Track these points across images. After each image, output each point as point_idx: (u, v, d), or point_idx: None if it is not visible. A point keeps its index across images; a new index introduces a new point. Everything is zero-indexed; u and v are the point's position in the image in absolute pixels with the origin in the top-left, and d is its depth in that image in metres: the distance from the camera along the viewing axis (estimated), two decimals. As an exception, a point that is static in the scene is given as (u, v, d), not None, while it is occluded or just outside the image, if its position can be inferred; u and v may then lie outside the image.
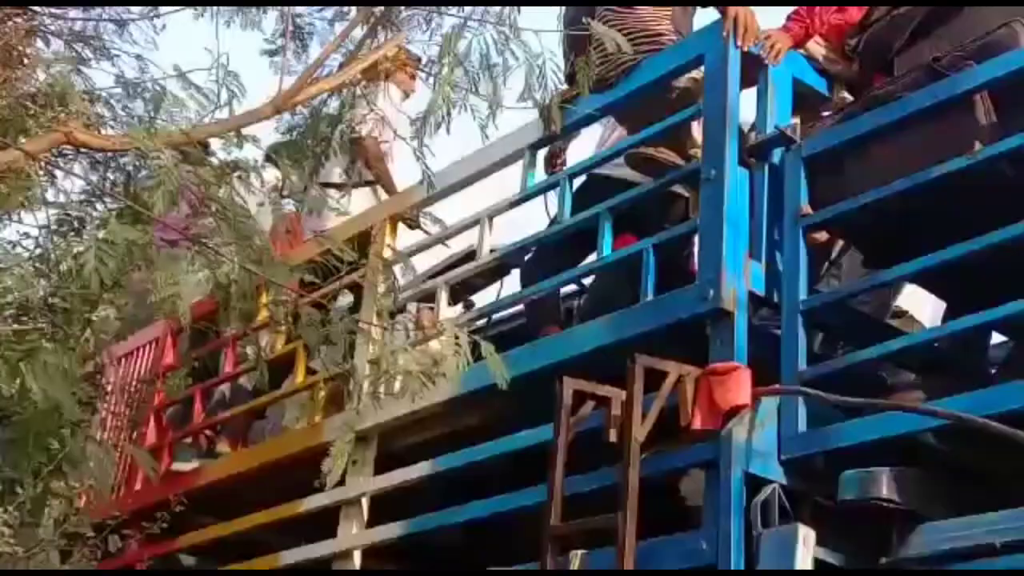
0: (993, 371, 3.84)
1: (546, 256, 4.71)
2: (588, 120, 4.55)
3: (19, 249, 4.91)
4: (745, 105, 4.04)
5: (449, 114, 4.15)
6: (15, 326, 4.13)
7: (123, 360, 6.47)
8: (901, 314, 4.41)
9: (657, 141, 4.29)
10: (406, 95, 6.26)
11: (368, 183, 6.09)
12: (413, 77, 6.11)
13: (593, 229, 4.23)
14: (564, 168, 4.84)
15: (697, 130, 4.22)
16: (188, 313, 4.13)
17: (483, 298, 5.62)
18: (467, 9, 4.31)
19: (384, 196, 5.97)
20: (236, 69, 4.13)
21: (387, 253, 5.14)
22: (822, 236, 3.95)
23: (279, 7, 4.59)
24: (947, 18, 3.79)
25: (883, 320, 4.19)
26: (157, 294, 4.13)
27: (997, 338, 3.96)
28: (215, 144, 4.57)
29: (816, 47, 4.22)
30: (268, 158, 5.75)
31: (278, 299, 4.75)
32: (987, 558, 2.88)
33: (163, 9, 5.06)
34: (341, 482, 4.69)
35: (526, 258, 4.87)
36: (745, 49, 3.97)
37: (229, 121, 4.15)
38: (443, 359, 4.70)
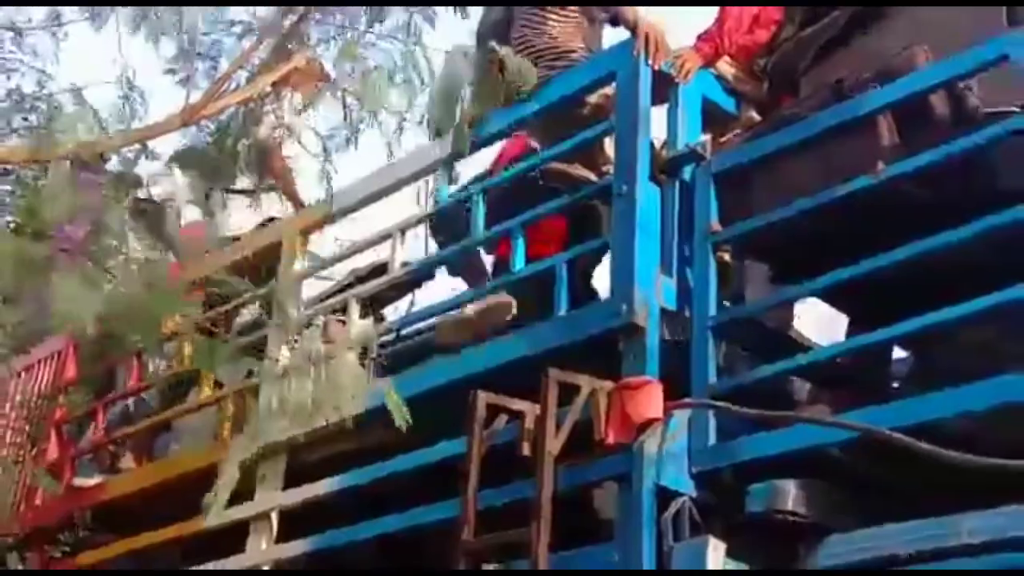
0: (895, 385, 3.94)
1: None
2: (499, 137, 4.57)
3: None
4: (656, 122, 4.10)
5: (357, 132, 4.16)
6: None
7: (23, 373, 6.31)
8: None
9: (570, 156, 4.33)
10: (311, 106, 6.21)
11: (272, 188, 6.04)
12: (317, 87, 6.06)
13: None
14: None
15: (609, 146, 4.26)
16: (90, 327, 4.06)
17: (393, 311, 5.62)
18: (376, 27, 4.34)
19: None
20: (142, 81, 4.09)
21: (296, 267, 5.10)
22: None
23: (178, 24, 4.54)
24: (850, 40, 3.89)
25: (786, 334, 4.27)
26: (55, 308, 4.06)
27: (899, 353, 4.06)
28: (116, 159, 4.50)
29: (725, 67, 4.30)
30: (171, 165, 5.68)
31: (183, 313, 4.70)
32: (893, 568, 2.95)
33: (65, 17, 4.96)
34: (250, 497, 4.65)
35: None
36: (656, 67, 4.04)
37: (135, 133, 4.10)
38: (352, 376, 4.72)
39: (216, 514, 4.27)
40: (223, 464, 4.30)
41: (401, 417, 3.84)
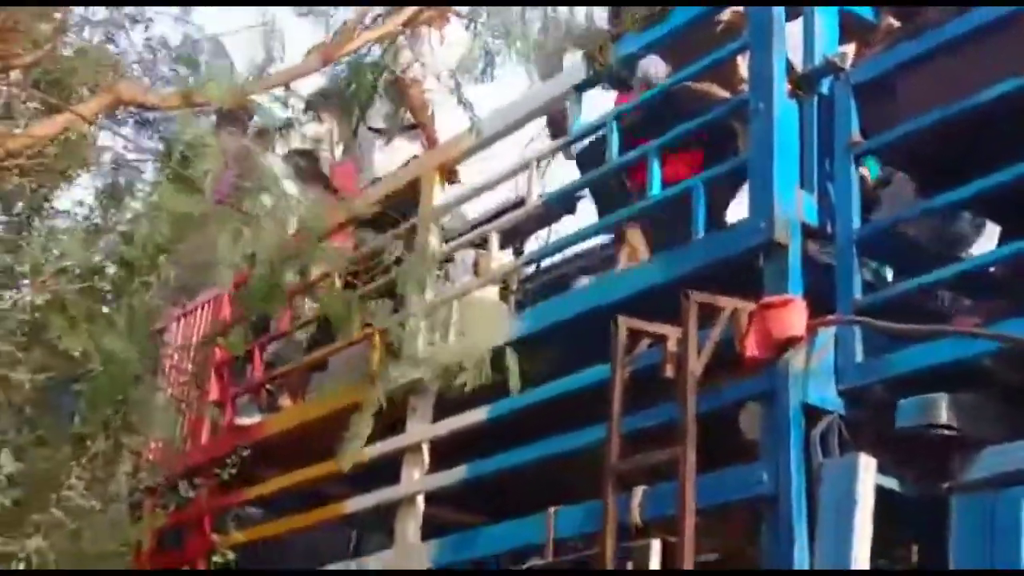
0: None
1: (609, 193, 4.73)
2: (634, 59, 4.53)
3: (75, 213, 4.99)
4: (791, 37, 4.01)
5: (492, 64, 4.17)
6: (78, 286, 4.21)
7: (184, 318, 6.57)
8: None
9: (705, 77, 4.27)
10: (440, 31, 6.23)
11: (412, 127, 6.12)
12: (446, 16, 6.08)
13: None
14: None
15: (743, 64, 4.18)
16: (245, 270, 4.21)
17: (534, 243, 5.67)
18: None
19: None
20: (279, 26, 4.16)
21: (437, 202, 5.16)
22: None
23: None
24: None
25: (939, 248, 4.16)
26: (214, 256, 4.22)
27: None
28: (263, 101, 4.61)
29: (860, -26, 4.16)
30: (308, 106, 5.79)
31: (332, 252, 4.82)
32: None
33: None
34: (402, 428, 4.77)
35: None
36: (790, -21, 3.93)
37: (278, 75, 4.19)
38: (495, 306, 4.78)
39: (352, 451, 4.42)
40: (366, 401, 4.43)
41: (516, 383, 3.90)
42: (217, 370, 6.18)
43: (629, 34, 4.44)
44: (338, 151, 6.18)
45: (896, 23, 4.11)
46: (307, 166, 6.24)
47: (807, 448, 3.37)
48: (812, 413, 3.42)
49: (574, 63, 4.65)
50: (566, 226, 5.43)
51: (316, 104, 5.50)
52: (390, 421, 4.74)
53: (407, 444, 4.82)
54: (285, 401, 5.93)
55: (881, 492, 3.23)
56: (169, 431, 5.71)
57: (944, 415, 3.18)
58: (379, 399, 4.59)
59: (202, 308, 6.46)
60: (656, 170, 4.17)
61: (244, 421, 5.93)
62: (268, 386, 6.08)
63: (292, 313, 5.89)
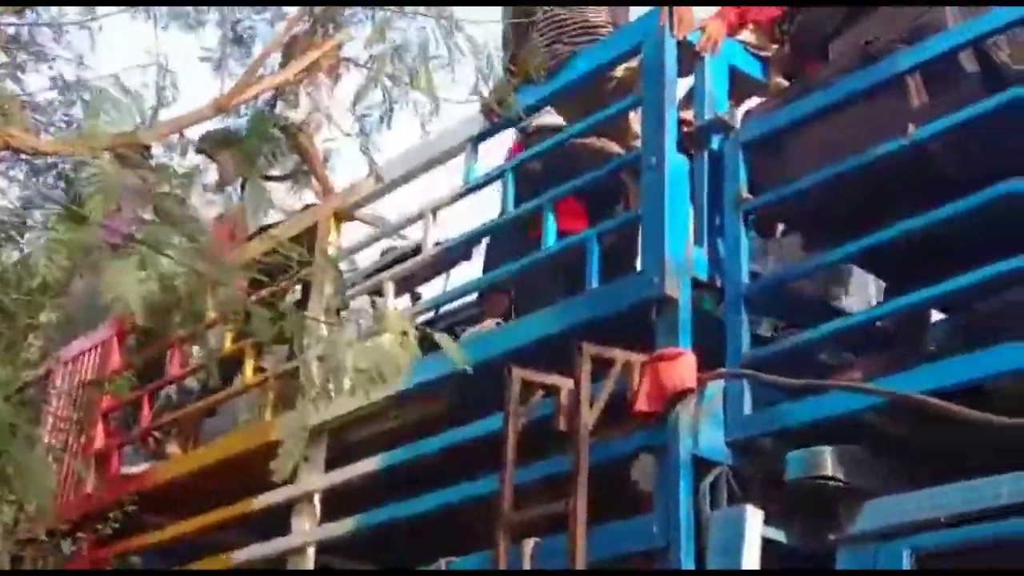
0: (933, 348, 3.91)
1: (502, 243, 4.74)
2: (528, 112, 4.57)
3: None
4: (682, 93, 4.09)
5: (391, 109, 4.17)
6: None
7: (69, 364, 6.41)
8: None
9: (598, 131, 4.33)
10: (335, 79, 6.21)
11: (307, 172, 6.08)
12: (340, 62, 6.07)
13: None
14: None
15: (635, 120, 4.25)
16: (139, 310, 4.12)
17: (429, 290, 5.65)
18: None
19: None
20: (177, 71, 4.13)
21: (332, 250, 5.13)
22: None
23: (219, 7, 4.58)
24: (877, 5, 3.85)
25: (825, 302, 4.25)
26: (106, 295, 4.12)
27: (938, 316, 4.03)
28: (156, 149, 4.55)
29: (748, 34, 4.27)
30: (201, 150, 5.72)
31: (226, 297, 4.74)
32: (931, 531, 2.94)
33: (100, 11, 5.02)
34: (293, 479, 4.70)
35: (487, 244, 4.88)
36: (681, 38, 4.02)
37: (171, 123, 4.13)
38: (392, 355, 4.74)
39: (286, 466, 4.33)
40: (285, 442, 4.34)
41: (461, 360, 3.86)
42: (103, 417, 6.03)
43: (526, 86, 4.49)
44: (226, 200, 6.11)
45: (784, 82, 4.21)
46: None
47: (697, 500, 3.40)
48: (702, 465, 3.46)
49: (472, 114, 4.68)
50: (462, 273, 5.45)
51: (209, 148, 5.44)
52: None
53: (298, 493, 4.75)
54: (173, 448, 5.81)
55: (768, 543, 3.28)
56: (49, 482, 5.54)
57: (830, 467, 3.24)
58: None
59: (89, 353, 6.31)
60: (551, 221, 4.21)
61: (131, 470, 5.80)
62: (156, 433, 5.96)
63: (183, 359, 5.80)
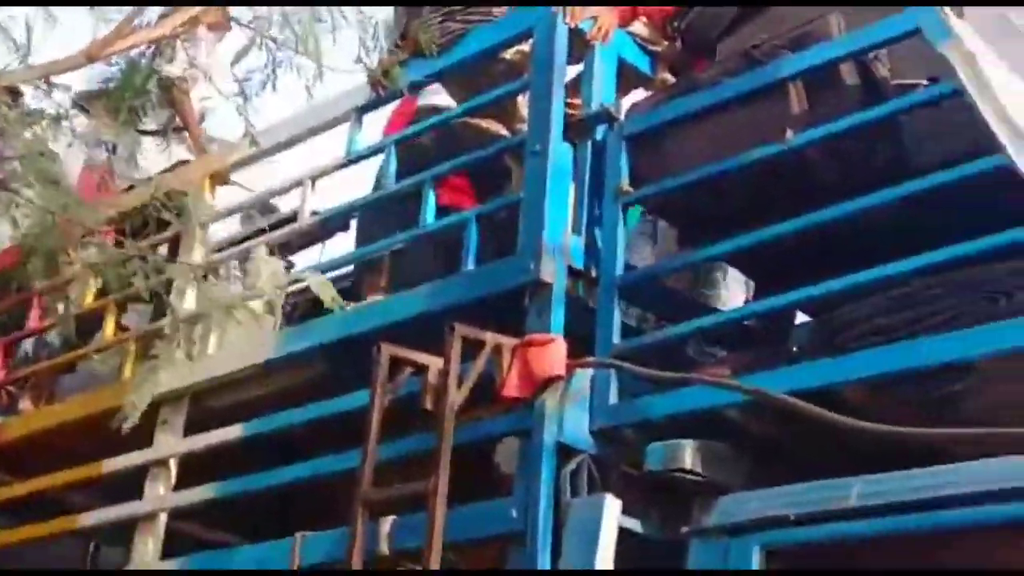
0: (795, 349, 4.00)
1: (379, 215, 4.69)
2: (415, 87, 4.54)
3: None
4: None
5: (274, 72, 4.09)
6: None
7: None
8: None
9: (484, 112, 4.32)
10: (220, 36, 6.08)
11: (182, 129, 5.95)
12: (228, 20, 5.94)
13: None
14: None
15: (523, 104, 4.25)
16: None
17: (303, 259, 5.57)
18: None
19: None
20: (52, 14, 3.97)
21: (203, 212, 5.02)
22: None
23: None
24: (767, 6, 3.91)
25: (696, 298, 4.33)
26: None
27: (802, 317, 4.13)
28: (28, 92, 4.39)
29: (640, 27, 4.31)
30: (77, 105, 5.55)
31: (88, 243, 4.59)
32: (781, 528, 3.01)
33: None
34: (149, 442, 4.60)
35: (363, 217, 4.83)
36: (573, 25, 4.02)
37: (39, 68, 3.99)
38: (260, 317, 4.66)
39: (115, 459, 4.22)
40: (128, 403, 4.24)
41: (328, 298, 3.81)
42: (-45, 367, 5.82)
43: (414, 61, 4.45)
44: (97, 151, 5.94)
45: (672, 78, 4.26)
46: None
47: (558, 486, 3.43)
48: (566, 452, 3.49)
49: (357, 84, 4.62)
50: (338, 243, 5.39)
51: (86, 101, 5.27)
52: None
53: (154, 458, 4.65)
54: (26, 404, 5.63)
55: (624, 533, 3.32)
56: None
57: (689, 461, 3.29)
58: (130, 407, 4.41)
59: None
60: (431, 199, 4.19)
61: (-22, 422, 5.61)
62: (9, 388, 5.77)
63: (42, 312, 5.62)
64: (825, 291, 3.30)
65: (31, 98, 4.74)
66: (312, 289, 4.06)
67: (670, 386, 3.44)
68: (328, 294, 3.89)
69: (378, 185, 4.62)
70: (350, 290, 4.85)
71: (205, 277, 4.76)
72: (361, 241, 4.79)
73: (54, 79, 4.16)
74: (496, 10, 4.45)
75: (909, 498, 2.78)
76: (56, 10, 4.25)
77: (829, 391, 3.15)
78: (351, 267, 5.01)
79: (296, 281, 4.45)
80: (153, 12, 4.26)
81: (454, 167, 4.24)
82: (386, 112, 5.04)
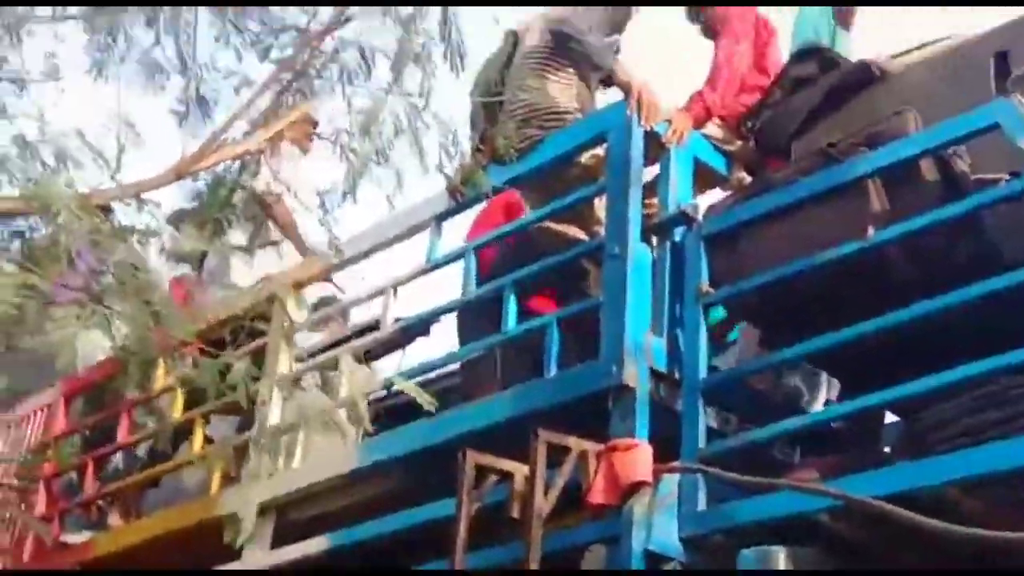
0: (887, 450, 3.93)
1: (471, 319, 4.72)
2: (493, 193, 4.59)
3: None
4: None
5: (355, 187, 4.17)
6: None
7: (12, 427, 6.29)
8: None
9: (562, 216, 4.35)
10: (303, 152, 6.22)
11: (272, 243, 6.07)
12: (310, 136, 6.08)
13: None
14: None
15: (600, 207, 4.28)
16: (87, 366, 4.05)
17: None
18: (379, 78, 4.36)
19: (288, 258, 5.94)
20: (141, 131, 4.12)
21: (290, 321, 5.09)
22: None
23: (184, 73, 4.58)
24: (841, 105, 3.91)
25: (779, 398, 4.27)
26: (55, 349, 4.05)
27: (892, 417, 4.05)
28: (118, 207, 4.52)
29: (714, 128, 4.34)
30: (167, 221, 5.69)
31: (179, 356, 4.67)
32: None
33: (63, 71, 5.01)
34: (238, 556, 4.62)
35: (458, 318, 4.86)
36: (648, 128, 4.06)
37: (130, 186, 4.11)
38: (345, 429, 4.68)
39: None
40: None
41: (425, 400, 3.81)
42: (46, 483, 5.91)
43: (492, 166, 4.51)
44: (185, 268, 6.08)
45: (748, 177, 4.26)
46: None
47: (648, 595, 3.37)
48: (654, 559, 3.43)
49: (436, 192, 4.69)
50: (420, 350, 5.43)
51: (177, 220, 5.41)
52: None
53: (243, 571, 4.66)
54: (115, 519, 5.69)
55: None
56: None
57: (782, 567, 3.22)
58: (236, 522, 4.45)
59: (33, 416, 6.20)
60: (512, 305, 4.21)
61: (71, 539, 5.67)
62: (99, 502, 5.83)
63: (131, 425, 5.70)
64: (912, 391, 3.24)
65: (121, 214, 4.88)
66: (407, 392, 4.08)
67: (759, 492, 3.38)
68: (424, 397, 3.91)
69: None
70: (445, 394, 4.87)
71: (290, 388, 4.83)
72: (461, 343, 4.82)
73: (144, 195, 4.29)
74: (569, 116, 4.52)
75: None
76: (144, 128, 4.39)
77: (920, 494, 3.08)
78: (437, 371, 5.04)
79: (390, 386, 4.47)
80: (238, 128, 4.37)
81: (532, 274, 4.26)
82: (466, 217, 5.09)
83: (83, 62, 4.96)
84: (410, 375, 4.98)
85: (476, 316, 4.67)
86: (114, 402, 5.63)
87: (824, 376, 4.36)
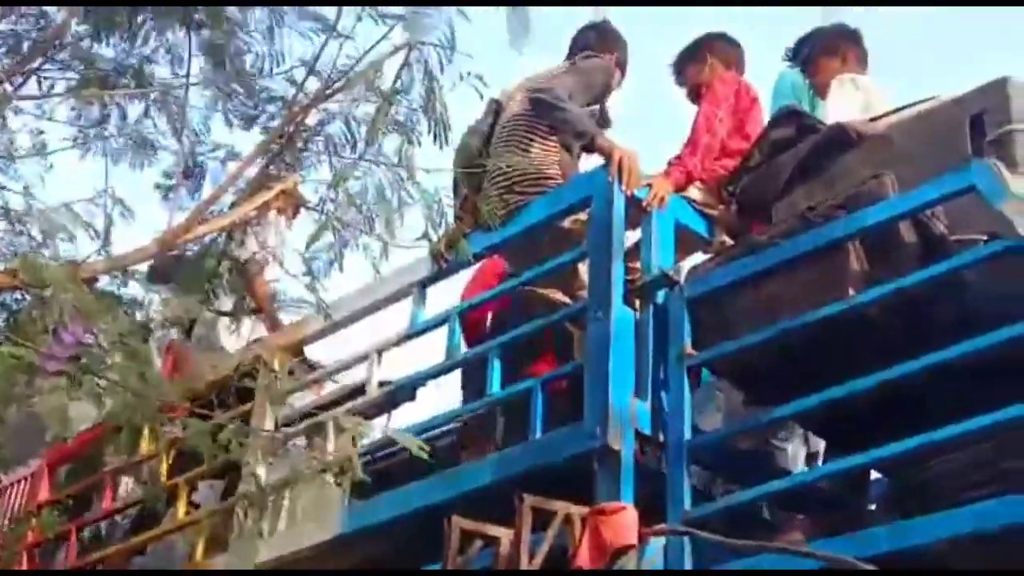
0: (872, 508, 3.93)
1: (476, 377, 4.72)
2: (476, 259, 4.62)
3: None
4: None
5: (341, 254, 4.20)
6: None
7: (-3, 496, 6.26)
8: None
9: (544, 280, 4.38)
10: (290, 220, 6.24)
11: (256, 311, 6.07)
12: (296, 206, 6.11)
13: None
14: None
15: (583, 270, 4.31)
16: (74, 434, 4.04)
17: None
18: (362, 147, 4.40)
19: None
20: (129, 207, 4.15)
21: (275, 386, 5.09)
22: None
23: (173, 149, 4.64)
24: (820, 168, 3.96)
25: (762, 458, 4.27)
26: (43, 417, 4.04)
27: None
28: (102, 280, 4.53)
29: (695, 191, 4.39)
30: (149, 277, 5.70)
31: (165, 420, 4.66)
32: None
33: (51, 147, 5.08)
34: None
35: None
36: (630, 193, 4.11)
37: (117, 258, 4.14)
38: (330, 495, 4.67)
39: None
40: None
41: (418, 449, 3.81)
42: (28, 552, 5.86)
43: (475, 233, 4.55)
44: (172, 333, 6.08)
45: (729, 241, 4.30)
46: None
47: (636, 660, 3.35)
48: (641, 624, 3.42)
49: (422, 255, 4.72)
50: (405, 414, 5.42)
51: (155, 280, 5.44)
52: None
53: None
54: (101, 590, 5.64)
55: None
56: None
57: (769, 629, 3.22)
58: None
59: (15, 486, 6.16)
60: (497, 369, 4.23)
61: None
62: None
63: (114, 492, 5.67)
64: (899, 451, 3.25)
65: (106, 283, 4.90)
66: (405, 446, 4.07)
67: (746, 554, 3.37)
68: (422, 449, 3.90)
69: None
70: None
71: (277, 452, 4.82)
72: (464, 401, 4.82)
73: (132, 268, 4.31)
74: (551, 181, 4.56)
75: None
76: (132, 197, 4.43)
77: (910, 553, 3.08)
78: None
79: (375, 450, 4.45)
80: (225, 200, 4.41)
81: (518, 337, 4.28)
82: (451, 281, 5.11)
83: (71, 134, 5.03)
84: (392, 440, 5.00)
85: (479, 375, 4.68)
86: (98, 470, 5.60)
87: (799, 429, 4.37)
